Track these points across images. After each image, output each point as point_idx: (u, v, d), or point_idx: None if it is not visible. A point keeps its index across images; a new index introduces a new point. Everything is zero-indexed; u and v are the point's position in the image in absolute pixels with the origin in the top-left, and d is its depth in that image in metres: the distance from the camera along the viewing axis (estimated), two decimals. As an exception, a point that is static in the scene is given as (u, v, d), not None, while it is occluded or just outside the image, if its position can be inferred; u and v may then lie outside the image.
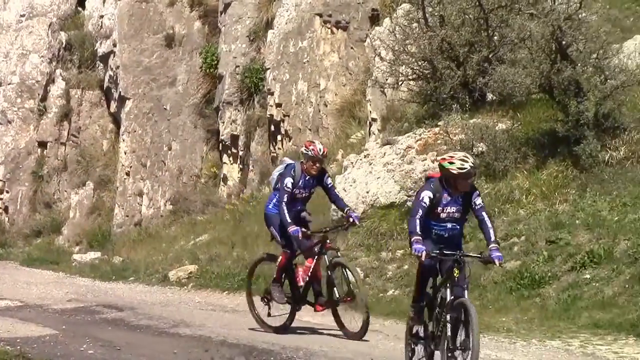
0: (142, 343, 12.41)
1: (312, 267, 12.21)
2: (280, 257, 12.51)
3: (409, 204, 17.57)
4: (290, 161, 13.00)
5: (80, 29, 40.02)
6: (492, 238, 8.88)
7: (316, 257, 12.26)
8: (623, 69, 17.69)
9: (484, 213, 9.05)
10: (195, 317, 15.74)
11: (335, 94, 27.79)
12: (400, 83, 22.47)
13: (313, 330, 13.71)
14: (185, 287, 21.36)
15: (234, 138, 32.29)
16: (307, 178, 12.30)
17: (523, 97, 19.01)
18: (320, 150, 12.29)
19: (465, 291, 8.65)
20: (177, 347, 11.59)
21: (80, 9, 41.28)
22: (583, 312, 13.83)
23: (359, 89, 27.06)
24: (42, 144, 37.97)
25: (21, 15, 39.74)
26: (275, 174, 12.86)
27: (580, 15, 18.22)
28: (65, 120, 37.97)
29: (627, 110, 17.92)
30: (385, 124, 24.18)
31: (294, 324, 13.25)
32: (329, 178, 12.69)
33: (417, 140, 19.94)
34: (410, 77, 22.13)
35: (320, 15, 28.52)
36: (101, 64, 38.38)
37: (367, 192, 19.08)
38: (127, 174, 35.84)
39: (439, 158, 9.94)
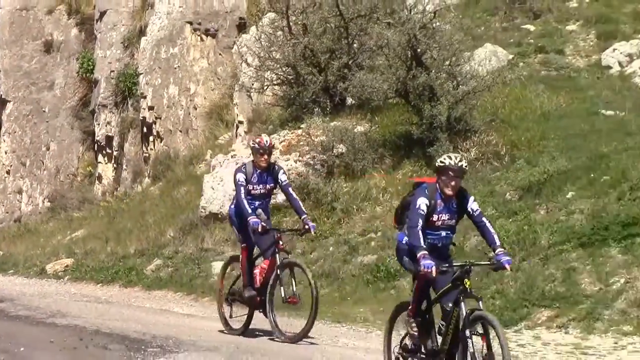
0: (20, 332, 11.57)
1: (267, 268, 11.16)
2: (241, 257, 11.58)
3: (275, 201, 16.23)
4: (243, 161, 12.87)
5: (-40, 36, 38.74)
6: (498, 242, 7.72)
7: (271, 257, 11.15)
8: (474, 75, 17.88)
9: (484, 219, 7.95)
10: (71, 308, 14.81)
11: (205, 98, 27.69)
12: (265, 88, 22.40)
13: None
14: (61, 279, 20.80)
15: (109, 139, 31.62)
16: (259, 172, 11.37)
17: (380, 102, 18.83)
18: (266, 142, 11.55)
19: (481, 302, 7.48)
20: (54, 336, 10.85)
21: (-40, 16, 39.74)
22: (431, 302, 14.22)
23: (227, 93, 26.94)
24: None
25: None
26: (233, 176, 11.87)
27: (434, 25, 18.32)
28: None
29: (477, 114, 17.97)
30: (252, 126, 24.07)
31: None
32: (284, 175, 11.68)
33: (281, 142, 19.63)
34: (274, 82, 21.99)
35: (191, 23, 28.32)
36: (-18, 69, 37.01)
37: (234, 190, 18.53)
38: (8, 172, 34.89)
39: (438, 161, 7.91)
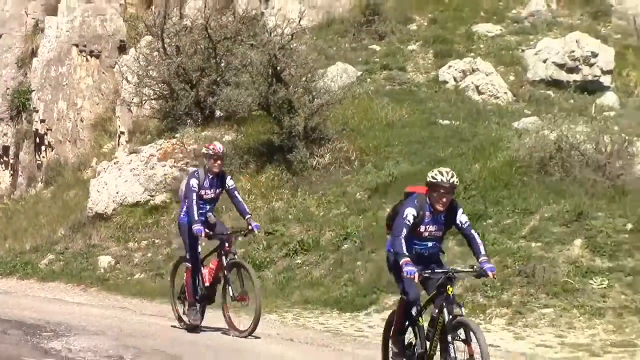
0: None
1: (215, 268, 10.97)
2: (185, 275, 11.21)
3: (153, 202, 18.83)
4: (193, 169, 12.52)
5: None
6: (483, 252, 7.36)
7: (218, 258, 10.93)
8: (327, 90, 18.68)
9: (472, 231, 7.51)
10: (-30, 299, 15.22)
11: (90, 112, 28.29)
12: (143, 102, 22.87)
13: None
14: (-38, 273, 21.07)
15: (5, 148, 32.53)
16: (211, 177, 10.98)
17: (245, 114, 19.65)
18: (219, 148, 11.11)
19: (462, 309, 7.23)
20: (-45, 324, 11.03)
21: None
22: (295, 290, 14.56)
23: (110, 107, 27.64)
24: None
25: None
26: (182, 185, 11.44)
27: (292, 46, 18.98)
28: None
29: (330, 124, 18.80)
30: (132, 136, 24.70)
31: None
32: (231, 180, 11.39)
33: (158, 150, 20.20)
34: (152, 97, 22.44)
35: (77, 46, 28.92)
36: None
37: (117, 193, 19.42)
38: None
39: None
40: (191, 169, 13.32)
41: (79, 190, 23.78)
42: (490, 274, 7.15)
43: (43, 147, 30.24)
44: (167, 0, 26.18)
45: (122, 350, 9.08)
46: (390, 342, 7.80)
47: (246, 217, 10.96)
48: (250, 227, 10.92)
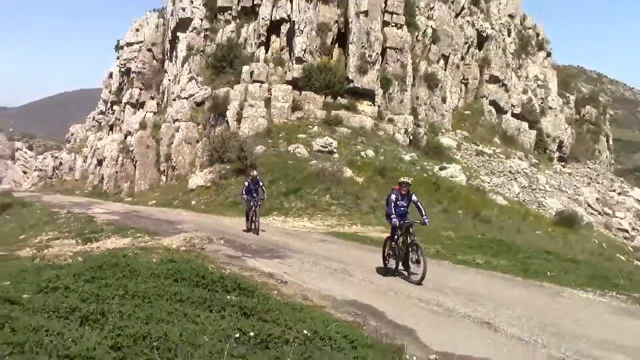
0: None
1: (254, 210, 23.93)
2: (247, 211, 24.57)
3: None
4: (249, 178, 24.94)
5: None
6: (423, 213, 15.15)
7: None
8: None
9: (418, 203, 15.28)
10: None
11: None
12: None
13: None
14: None
15: None
16: (253, 182, 24.21)
17: None
18: (255, 174, 25.26)
19: (415, 237, 14.92)
20: None
21: None
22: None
23: None
24: None
25: None
26: (243, 184, 24.80)
27: None
28: None
29: None
30: None
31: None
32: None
33: None
34: None
35: None
36: None
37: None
38: None
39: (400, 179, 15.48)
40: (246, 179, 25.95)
41: None
42: (427, 223, 15.12)
43: None
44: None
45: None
46: (386, 247, 15.80)
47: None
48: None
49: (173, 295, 9.08)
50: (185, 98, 53.92)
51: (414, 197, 15.27)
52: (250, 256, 17.56)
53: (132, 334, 6.51)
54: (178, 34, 59.55)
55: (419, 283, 14.11)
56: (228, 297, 9.72)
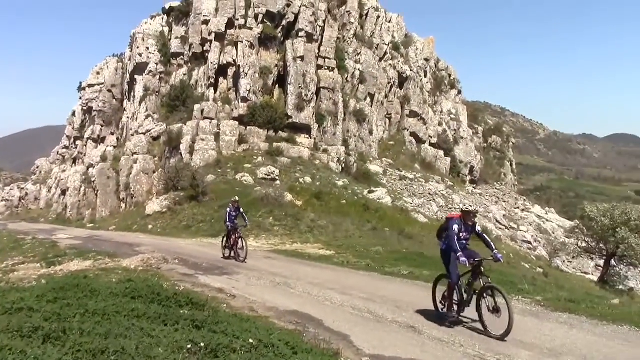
0: None
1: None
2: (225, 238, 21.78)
3: None
4: (230, 202, 21.88)
5: None
6: (493, 247, 10.92)
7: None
8: None
9: (484, 235, 11.19)
10: None
11: None
12: None
13: None
14: None
15: None
16: (234, 208, 21.06)
17: None
18: (237, 199, 22.17)
19: (489, 278, 10.67)
20: None
21: None
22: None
23: None
24: None
25: None
26: (226, 209, 21.39)
27: None
28: None
29: None
30: None
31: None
32: (242, 209, 20.51)
33: None
34: None
35: None
36: None
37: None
38: None
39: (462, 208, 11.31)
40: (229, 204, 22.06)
41: None
42: (501, 260, 10.61)
43: None
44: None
45: None
46: (439, 301, 11.49)
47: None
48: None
49: (130, 311, 8.81)
50: (142, 133, 53.07)
51: (478, 228, 11.13)
52: (202, 274, 17.22)
53: (92, 349, 6.27)
54: (135, 76, 58.74)
55: (502, 339, 9.85)
56: (181, 311, 9.50)
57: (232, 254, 21.09)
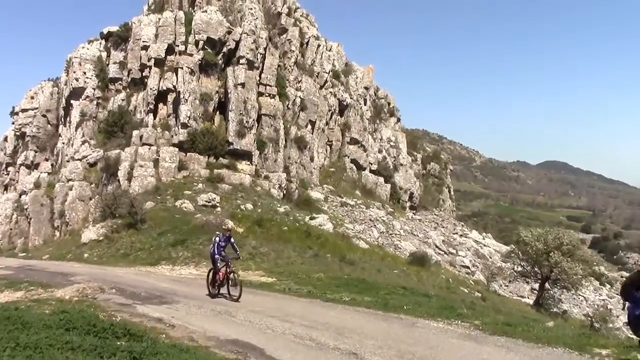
0: None
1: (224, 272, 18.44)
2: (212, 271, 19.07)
3: None
4: (218, 233, 19.63)
5: None
6: None
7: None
8: None
9: None
10: None
11: None
12: None
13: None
14: None
15: None
16: (225, 237, 18.62)
17: None
18: (229, 226, 20.06)
19: None
20: None
21: None
22: None
23: None
24: None
25: None
26: (213, 238, 18.96)
27: None
28: None
29: None
30: None
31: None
32: (232, 239, 18.77)
33: None
34: None
35: None
36: None
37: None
38: None
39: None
40: (217, 233, 20.13)
41: None
42: None
43: None
44: None
45: None
46: None
47: (237, 252, 18.51)
48: (236, 256, 18.59)
49: (64, 344, 8.48)
50: (79, 159, 51.72)
51: None
52: (140, 303, 16.78)
53: (23, 384, 6.01)
54: (72, 101, 57.37)
55: None
56: (118, 342, 9.22)
57: (221, 292, 18.47)
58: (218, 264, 18.42)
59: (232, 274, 18.26)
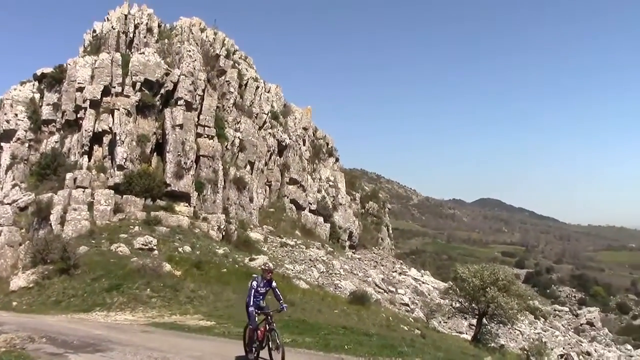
0: None
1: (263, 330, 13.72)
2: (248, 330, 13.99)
3: None
4: (255, 275, 14.34)
5: None
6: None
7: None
8: None
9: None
10: None
11: None
12: None
13: None
14: None
15: None
16: (265, 281, 13.93)
17: None
18: (270, 267, 14.50)
19: None
20: None
21: None
22: None
23: None
24: None
25: None
26: (249, 283, 14.05)
27: None
28: None
29: None
30: None
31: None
32: (275, 283, 14.15)
33: None
34: None
35: None
36: None
37: None
38: None
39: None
40: (254, 275, 14.43)
41: None
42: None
43: None
44: None
45: None
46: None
47: (280, 302, 13.98)
48: (280, 308, 13.95)
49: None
50: (8, 204, 49.78)
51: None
52: (73, 352, 16.06)
53: None
54: (2, 143, 55.47)
55: None
56: (47, 395, 8.77)
57: (260, 355, 13.91)
58: (255, 319, 13.68)
59: (272, 333, 13.48)
